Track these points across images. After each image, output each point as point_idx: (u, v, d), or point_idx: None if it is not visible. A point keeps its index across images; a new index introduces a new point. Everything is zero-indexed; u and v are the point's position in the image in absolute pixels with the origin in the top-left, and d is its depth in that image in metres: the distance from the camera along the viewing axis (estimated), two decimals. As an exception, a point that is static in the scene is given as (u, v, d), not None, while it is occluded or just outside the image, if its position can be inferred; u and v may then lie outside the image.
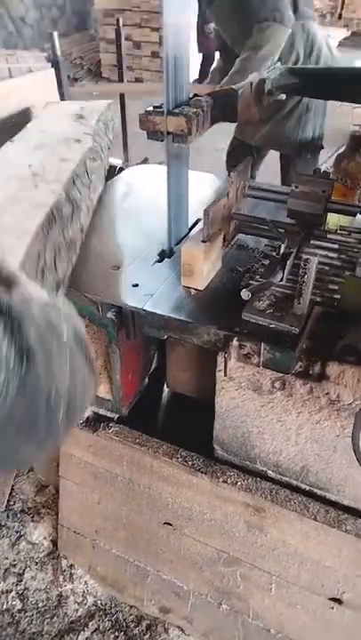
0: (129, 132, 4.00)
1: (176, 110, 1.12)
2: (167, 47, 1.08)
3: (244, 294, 1.02)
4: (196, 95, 1.21)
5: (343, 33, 8.17)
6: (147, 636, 1.57)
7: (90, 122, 1.60)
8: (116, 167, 1.93)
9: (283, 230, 1.19)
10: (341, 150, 1.38)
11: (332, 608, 1.28)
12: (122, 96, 3.71)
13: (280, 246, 1.08)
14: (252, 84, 1.31)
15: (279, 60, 1.93)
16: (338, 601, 1.27)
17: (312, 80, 1.45)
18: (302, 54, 2.16)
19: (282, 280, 1.06)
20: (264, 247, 1.20)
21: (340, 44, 8.00)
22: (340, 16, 8.59)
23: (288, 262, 1.06)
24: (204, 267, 1.16)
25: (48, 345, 0.54)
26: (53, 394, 0.53)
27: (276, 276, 1.04)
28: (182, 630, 1.56)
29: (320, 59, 2.17)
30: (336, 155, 1.40)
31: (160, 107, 1.13)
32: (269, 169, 2.75)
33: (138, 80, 7.39)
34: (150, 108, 1.14)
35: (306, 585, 1.30)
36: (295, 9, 2.06)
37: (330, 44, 2.29)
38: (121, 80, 3.84)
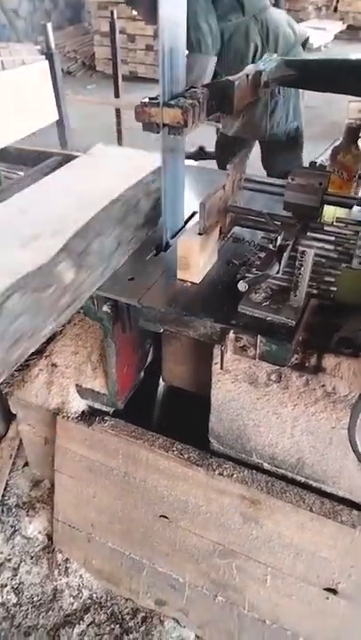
0: (124, 125, 3.99)
1: (172, 102, 1.11)
2: (163, 39, 1.07)
3: (242, 286, 1.02)
4: (192, 87, 1.20)
5: (339, 26, 8.17)
6: (142, 629, 1.58)
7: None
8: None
9: (279, 223, 1.19)
10: (337, 143, 1.38)
11: (328, 598, 1.29)
12: (116, 87, 3.70)
13: (276, 238, 1.08)
14: (248, 75, 1.31)
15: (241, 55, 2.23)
16: (333, 591, 1.28)
17: (308, 72, 1.44)
18: (260, 43, 2.29)
19: (278, 272, 1.06)
20: (260, 239, 1.20)
21: (336, 38, 8.00)
22: (335, 9, 8.58)
23: (284, 254, 1.06)
24: (200, 260, 1.16)
25: None
26: None
27: (272, 268, 1.04)
28: (178, 622, 1.56)
29: (279, 41, 2.30)
30: (332, 147, 1.40)
31: (156, 98, 1.12)
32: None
33: (132, 73, 7.35)
34: (146, 100, 1.13)
35: (301, 576, 1.30)
36: (241, 6, 2.25)
37: (293, 24, 2.40)
38: (115, 73, 3.82)
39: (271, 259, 1.06)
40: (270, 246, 1.12)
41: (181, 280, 1.19)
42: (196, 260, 1.15)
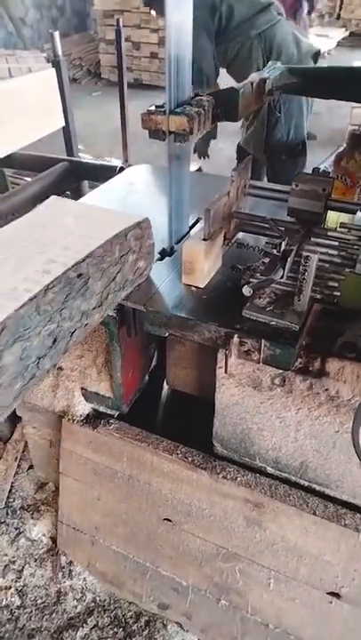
0: (128, 132, 4.01)
1: (178, 110, 1.13)
2: (169, 46, 1.09)
3: (246, 290, 1.03)
4: (197, 94, 1.22)
5: (342, 33, 8.22)
6: (145, 632, 1.58)
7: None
8: (116, 167, 1.95)
9: (283, 228, 1.20)
10: (341, 149, 1.39)
11: (331, 602, 1.29)
12: (121, 95, 3.71)
13: (280, 244, 1.09)
14: (252, 83, 1.33)
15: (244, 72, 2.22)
16: (336, 595, 1.29)
17: (312, 79, 1.46)
18: (262, 62, 2.37)
19: (283, 277, 1.07)
20: (264, 245, 1.22)
21: (339, 44, 8.05)
22: (338, 16, 8.64)
23: (288, 260, 1.07)
24: (205, 265, 1.18)
25: None
26: None
27: (276, 273, 1.05)
28: (181, 626, 1.57)
29: (281, 56, 2.36)
30: (336, 153, 1.41)
31: (162, 106, 1.14)
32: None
33: (137, 81, 7.41)
34: (152, 108, 1.15)
35: (305, 580, 1.31)
36: (251, 25, 2.34)
37: (300, 41, 2.44)
38: (121, 81, 3.84)
39: (275, 264, 1.07)
40: (275, 251, 1.13)
41: (186, 285, 1.21)
42: (201, 265, 1.17)
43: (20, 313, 0.81)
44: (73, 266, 0.91)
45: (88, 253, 0.95)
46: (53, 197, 1.19)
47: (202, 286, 1.20)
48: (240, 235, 1.34)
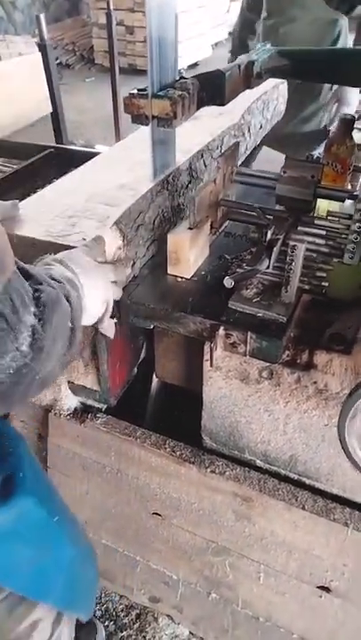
0: (122, 118, 3.95)
1: (161, 93, 1.09)
2: (151, 28, 1.05)
3: (227, 282, 1.00)
4: (182, 77, 1.17)
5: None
6: (136, 625, 1.57)
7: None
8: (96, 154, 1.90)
9: (271, 217, 1.16)
10: (331, 135, 1.35)
11: (321, 596, 1.28)
12: (113, 80, 3.65)
13: (266, 233, 1.06)
14: (240, 65, 1.28)
15: None
16: (326, 589, 1.27)
17: (303, 62, 1.41)
18: None
19: (268, 267, 1.04)
20: (251, 234, 1.18)
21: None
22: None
23: (275, 249, 1.04)
24: (191, 255, 1.14)
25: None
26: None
27: (262, 263, 1.02)
28: (172, 619, 1.56)
29: None
30: (326, 139, 1.37)
31: (145, 89, 1.10)
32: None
33: (131, 66, 7.29)
34: (134, 91, 1.11)
35: (294, 574, 1.29)
36: None
37: None
38: (113, 65, 3.78)
39: (261, 253, 1.04)
40: (263, 240, 1.10)
41: (172, 275, 1.18)
42: (187, 255, 1.13)
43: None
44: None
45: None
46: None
47: (188, 276, 1.17)
48: (229, 223, 1.30)
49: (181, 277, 1.17)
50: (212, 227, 1.23)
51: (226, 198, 1.25)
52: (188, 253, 1.13)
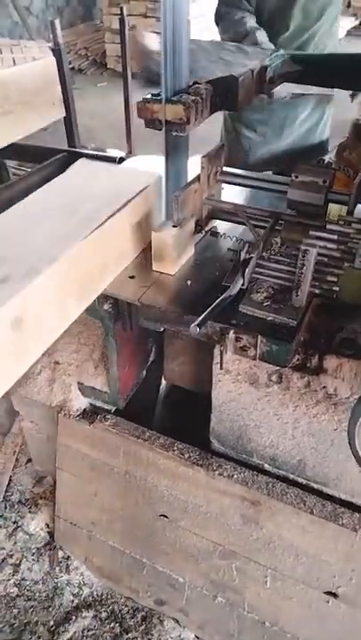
0: (134, 123, 3.96)
1: (174, 98, 1.10)
2: (165, 34, 1.06)
3: (193, 330, 0.94)
4: (195, 83, 1.18)
5: (352, 22, 8.09)
6: (142, 628, 1.57)
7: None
8: (116, 158, 1.92)
9: (256, 216, 1.17)
10: (344, 140, 1.35)
11: (328, 602, 1.27)
12: (125, 84, 3.66)
13: (239, 252, 1.07)
14: (253, 71, 1.29)
15: None
16: (333, 595, 1.27)
17: (316, 67, 1.42)
18: None
19: (243, 285, 1.05)
20: (225, 252, 1.19)
21: (349, 34, 7.92)
22: (348, 4, 8.49)
23: (248, 269, 1.04)
24: (174, 252, 1.15)
25: None
26: None
27: (235, 285, 1.03)
28: (178, 622, 1.56)
29: None
30: (338, 145, 1.38)
31: (159, 94, 1.11)
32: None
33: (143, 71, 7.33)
34: (148, 96, 1.12)
35: (301, 578, 1.29)
36: None
37: None
38: (125, 70, 3.80)
39: (235, 274, 1.05)
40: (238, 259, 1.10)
41: (157, 272, 1.18)
42: (170, 252, 1.15)
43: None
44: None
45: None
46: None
47: (172, 273, 1.18)
48: (217, 223, 1.31)
49: (166, 274, 1.18)
50: (197, 225, 1.23)
51: (210, 197, 1.26)
52: (172, 251, 1.14)
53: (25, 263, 0.92)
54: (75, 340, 1.53)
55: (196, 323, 0.95)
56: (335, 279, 1.06)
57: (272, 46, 1.92)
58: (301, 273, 1.00)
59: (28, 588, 1.67)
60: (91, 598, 1.64)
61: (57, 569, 1.69)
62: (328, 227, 1.08)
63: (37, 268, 0.91)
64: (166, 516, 1.43)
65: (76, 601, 1.64)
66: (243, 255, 1.08)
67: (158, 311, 1.12)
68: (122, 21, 3.15)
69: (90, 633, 1.57)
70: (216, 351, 1.17)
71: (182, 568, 1.46)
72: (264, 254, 1.11)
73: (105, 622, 1.59)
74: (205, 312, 0.98)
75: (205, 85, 1.17)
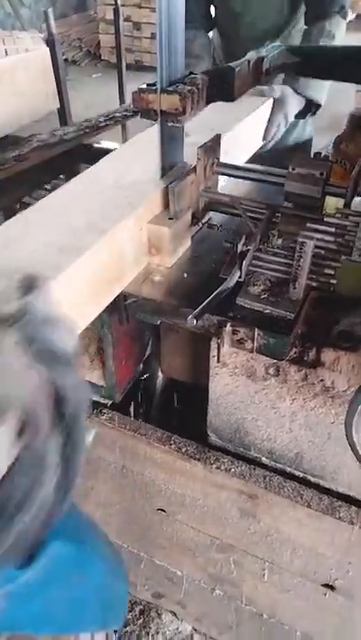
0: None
1: (170, 88, 1.08)
2: (161, 23, 1.04)
3: (190, 322, 0.94)
4: (191, 73, 1.17)
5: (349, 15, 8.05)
6: (140, 621, 1.58)
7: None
8: (109, 150, 1.90)
9: (253, 209, 1.16)
10: (340, 132, 1.34)
11: (325, 594, 1.28)
12: (120, 74, 3.64)
13: (236, 245, 1.06)
14: (249, 62, 1.27)
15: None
16: (331, 587, 1.27)
17: (314, 59, 1.40)
18: None
19: (240, 278, 1.04)
20: (222, 244, 1.18)
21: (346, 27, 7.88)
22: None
23: (245, 262, 1.03)
24: (171, 245, 1.14)
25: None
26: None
27: (232, 278, 1.02)
28: (175, 615, 1.56)
29: None
30: (335, 137, 1.36)
31: (154, 84, 1.09)
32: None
33: (138, 62, 7.28)
34: (143, 86, 1.10)
35: (299, 571, 1.29)
36: None
37: None
38: (119, 61, 3.77)
39: (233, 266, 1.04)
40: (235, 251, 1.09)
41: (153, 264, 1.17)
42: (167, 244, 1.13)
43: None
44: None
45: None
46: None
47: (168, 266, 1.17)
48: (213, 215, 1.30)
49: (163, 266, 1.17)
50: (194, 217, 1.22)
51: (207, 189, 1.25)
52: (168, 243, 1.13)
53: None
54: (70, 334, 1.52)
55: (193, 315, 0.94)
56: (332, 272, 1.06)
57: None
58: (299, 265, 0.99)
59: (25, 582, 1.67)
60: (88, 592, 1.64)
61: (54, 563, 1.69)
62: (325, 219, 1.08)
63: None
64: (164, 510, 1.43)
65: (74, 595, 1.64)
66: (240, 247, 1.07)
67: (155, 304, 1.11)
68: (116, 12, 3.12)
69: (87, 626, 1.57)
70: (213, 344, 1.16)
71: (180, 561, 1.47)
72: (261, 247, 1.11)
73: (102, 616, 1.59)
74: (202, 304, 0.97)
75: (201, 76, 1.15)
